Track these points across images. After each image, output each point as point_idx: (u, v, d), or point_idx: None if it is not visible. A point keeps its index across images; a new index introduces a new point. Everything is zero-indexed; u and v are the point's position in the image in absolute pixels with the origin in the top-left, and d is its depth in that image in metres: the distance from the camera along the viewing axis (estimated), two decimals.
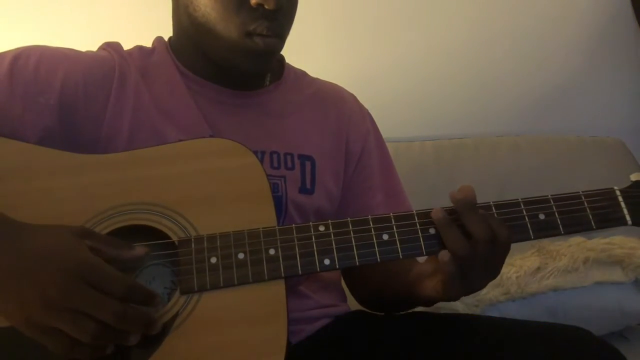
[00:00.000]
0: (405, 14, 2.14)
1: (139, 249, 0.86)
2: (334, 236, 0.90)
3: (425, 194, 1.20)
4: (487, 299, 1.52)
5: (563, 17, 2.21)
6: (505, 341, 0.93)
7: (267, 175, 0.94)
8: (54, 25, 1.87)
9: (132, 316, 0.78)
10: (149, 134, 1.02)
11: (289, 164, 1.10)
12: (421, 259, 0.99)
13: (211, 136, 1.04)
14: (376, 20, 2.13)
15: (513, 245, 0.92)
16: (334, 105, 1.21)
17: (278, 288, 0.87)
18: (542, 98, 2.24)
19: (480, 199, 0.93)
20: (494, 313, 1.50)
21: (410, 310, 1.13)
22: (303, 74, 1.25)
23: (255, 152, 0.97)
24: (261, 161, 1.03)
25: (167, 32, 1.16)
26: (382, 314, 1.16)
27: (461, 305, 1.50)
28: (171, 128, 1.04)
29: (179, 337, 0.84)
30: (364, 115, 1.26)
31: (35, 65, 0.99)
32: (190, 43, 1.09)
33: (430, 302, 1.00)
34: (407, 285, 1.01)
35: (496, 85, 2.20)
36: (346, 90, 1.28)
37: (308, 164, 1.12)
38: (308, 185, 1.11)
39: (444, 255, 0.88)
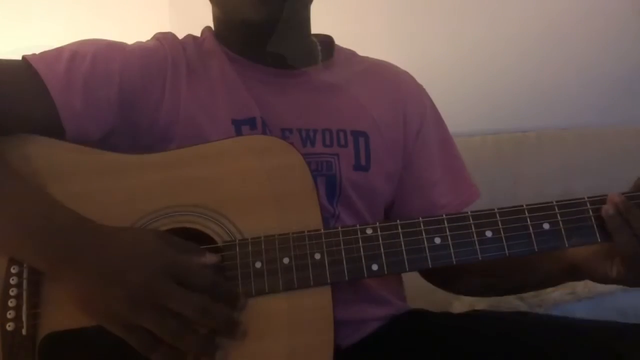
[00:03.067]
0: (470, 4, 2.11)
1: (210, 257, 0.86)
2: (382, 240, 0.87)
3: (485, 191, 1.17)
4: (551, 299, 1.49)
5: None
6: (577, 340, 0.91)
7: (320, 154, 0.99)
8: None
9: (214, 312, 0.81)
10: (203, 118, 1.03)
11: (342, 141, 1.08)
12: None
13: (261, 117, 1.03)
14: (439, 10, 2.11)
15: None
16: (387, 80, 1.19)
17: (324, 294, 0.86)
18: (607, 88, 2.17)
19: (544, 196, 0.90)
20: (555, 312, 1.46)
21: (470, 310, 1.13)
22: (353, 53, 1.23)
23: (307, 130, 1.01)
24: (313, 139, 1.04)
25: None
26: (443, 312, 1.14)
27: (524, 306, 1.47)
28: (224, 112, 1.04)
29: (224, 346, 0.83)
30: (420, 90, 1.23)
31: (92, 61, 0.99)
32: (225, 25, 1.11)
33: (601, 280, 0.95)
34: (562, 263, 0.97)
35: (559, 76, 2.14)
36: (399, 67, 1.25)
37: (362, 140, 1.09)
38: (363, 162, 1.08)
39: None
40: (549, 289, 1.45)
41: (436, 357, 1.00)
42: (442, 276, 1.19)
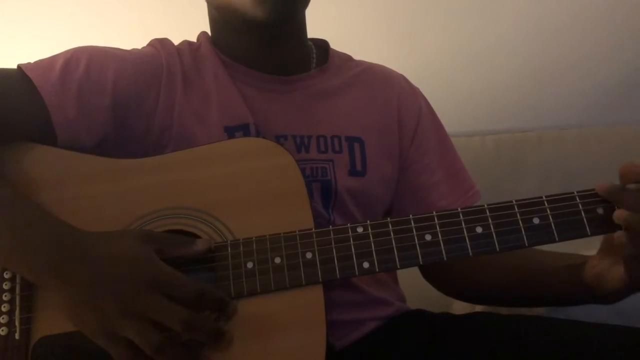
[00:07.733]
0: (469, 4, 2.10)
1: (201, 243, 0.87)
2: (372, 237, 0.87)
3: (485, 191, 1.17)
4: None
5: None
6: (576, 342, 0.92)
7: (315, 160, 0.99)
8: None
9: (198, 325, 0.80)
10: (196, 126, 1.03)
11: (337, 147, 1.08)
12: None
13: (255, 124, 1.04)
14: (437, 10, 2.10)
15: (579, 240, 0.88)
16: (380, 83, 1.19)
17: (316, 293, 0.86)
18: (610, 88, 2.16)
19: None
20: (558, 314, 1.43)
21: (470, 311, 1.12)
22: (348, 57, 1.23)
23: (301, 137, 1.02)
24: (308, 145, 1.04)
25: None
26: (443, 312, 1.14)
27: None
28: (216, 119, 1.04)
29: (217, 347, 0.83)
30: (415, 92, 1.23)
31: (85, 68, 0.99)
32: (224, 29, 1.11)
33: (615, 297, 0.96)
34: (578, 285, 0.99)
35: (559, 76, 2.13)
36: (393, 70, 1.25)
37: (357, 146, 1.10)
38: (359, 168, 1.09)
39: (621, 236, 0.84)
40: None
41: (435, 358, 1.00)
42: (445, 280, 1.19)
